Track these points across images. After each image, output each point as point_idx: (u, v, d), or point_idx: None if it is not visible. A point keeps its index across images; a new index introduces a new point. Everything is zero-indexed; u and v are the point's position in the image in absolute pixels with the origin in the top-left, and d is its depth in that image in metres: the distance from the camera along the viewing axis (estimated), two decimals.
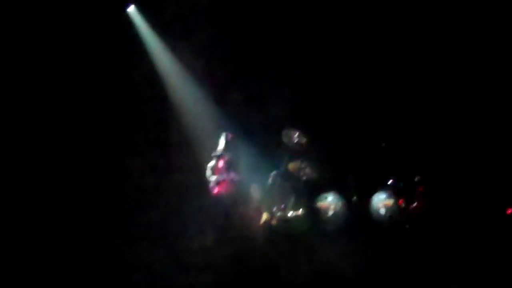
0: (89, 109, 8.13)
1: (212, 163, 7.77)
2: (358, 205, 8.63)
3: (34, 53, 8.25)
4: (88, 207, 8.03)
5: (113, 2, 8.15)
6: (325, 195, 8.51)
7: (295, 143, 8.43)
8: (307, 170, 8.52)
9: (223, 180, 7.69)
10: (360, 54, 8.90)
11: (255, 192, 8.33)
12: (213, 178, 7.72)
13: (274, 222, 8.31)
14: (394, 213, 8.18)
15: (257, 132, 8.65)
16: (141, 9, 8.26)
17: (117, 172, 8.12)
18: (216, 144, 7.82)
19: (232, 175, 7.79)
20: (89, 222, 7.71)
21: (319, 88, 8.60)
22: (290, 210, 8.46)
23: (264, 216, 8.26)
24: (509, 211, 8.15)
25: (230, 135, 7.93)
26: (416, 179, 8.36)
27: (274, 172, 8.47)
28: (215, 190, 7.64)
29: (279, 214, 8.40)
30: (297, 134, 8.39)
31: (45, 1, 8.21)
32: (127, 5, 8.25)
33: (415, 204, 8.21)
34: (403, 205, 8.27)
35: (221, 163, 7.75)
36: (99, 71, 8.25)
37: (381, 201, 8.33)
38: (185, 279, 6.42)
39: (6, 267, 6.38)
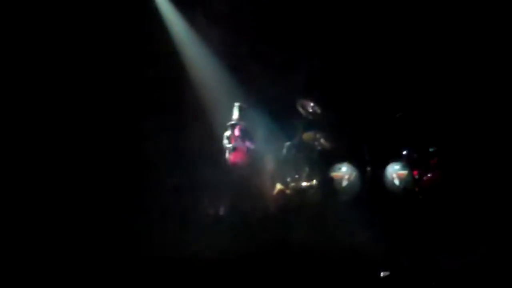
0: (110, 79, 8.36)
1: (228, 132, 7.88)
2: (372, 175, 8.60)
3: (53, 21, 8.34)
4: (106, 178, 8.18)
5: None
6: (339, 165, 8.57)
7: (310, 113, 8.47)
8: (322, 141, 8.58)
9: (238, 148, 7.80)
10: (376, 22, 8.74)
11: (270, 162, 8.43)
12: (228, 146, 7.80)
13: (287, 192, 8.41)
14: (408, 184, 8.23)
15: (272, 102, 8.63)
16: None
17: (135, 139, 8.31)
18: (231, 114, 7.95)
19: (247, 143, 7.93)
20: (105, 190, 7.92)
21: (334, 58, 8.59)
22: (304, 180, 8.56)
23: (278, 186, 8.35)
24: None
25: (244, 105, 8.01)
26: (431, 150, 8.34)
27: (288, 143, 8.57)
28: (231, 158, 7.73)
29: (292, 184, 8.53)
30: (311, 104, 8.42)
31: None
32: None
33: (429, 175, 8.18)
34: (417, 176, 8.29)
35: (236, 132, 7.84)
36: (119, 43, 8.40)
37: (395, 172, 8.36)
38: (197, 247, 6.54)
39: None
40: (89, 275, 5.79)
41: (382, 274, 5.13)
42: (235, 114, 8.00)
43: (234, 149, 7.89)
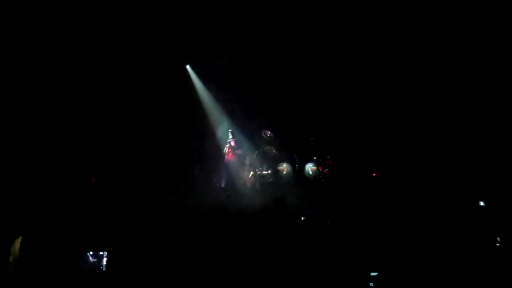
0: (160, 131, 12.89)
1: (227, 145, 13.16)
2: (298, 168, 13.15)
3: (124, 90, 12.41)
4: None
5: (178, 62, 13.26)
6: (282, 163, 13.13)
7: (268, 137, 13.22)
8: (274, 151, 13.25)
9: (233, 152, 13.04)
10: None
11: (248, 161, 13.19)
12: (226, 152, 13.12)
13: (256, 176, 12.99)
14: (316, 173, 12.83)
15: (251, 131, 13.40)
16: (194, 68, 13.52)
17: (177, 148, 12.79)
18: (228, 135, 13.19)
19: (237, 150, 13.06)
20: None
21: (278, 109, 13.18)
22: (264, 170, 13.04)
23: (251, 173, 13.06)
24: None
25: (234, 131, 13.19)
26: (328, 157, 12.91)
27: (257, 151, 13.26)
28: (228, 158, 13.10)
29: (258, 172, 13.05)
30: (269, 132, 13.25)
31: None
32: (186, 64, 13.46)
33: (326, 170, 12.80)
34: (320, 169, 12.82)
35: (232, 143, 13.05)
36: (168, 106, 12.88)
37: (309, 167, 12.99)
38: (208, 200, 10.54)
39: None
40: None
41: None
42: (230, 135, 13.22)
43: (231, 152, 13.07)
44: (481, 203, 7.97)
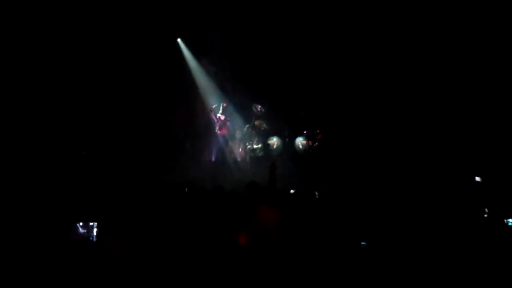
0: (150, 103, 12.76)
1: (217, 119, 13.15)
2: (288, 142, 13.21)
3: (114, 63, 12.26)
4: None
5: (169, 35, 13.10)
6: (272, 137, 13.19)
7: (258, 111, 13.31)
8: (264, 125, 13.31)
9: (223, 126, 13.07)
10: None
11: (238, 134, 13.25)
12: (218, 125, 13.13)
13: (246, 150, 13.16)
14: (305, 147, 12.93)
15: (241, 105, 13.32)
16: (185, 41, 13.36)
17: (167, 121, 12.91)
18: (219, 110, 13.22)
19: (227, 124, 13.12)
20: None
21: (269, 89, 13.14)
22: (255, 144, 13.16)
23: (241, 146, 13.16)
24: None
25: (225, 104, 13.20)
26: (317, 131, 12.94)
27: (247, 125, 13.29)
28: (219, 131, 13.18)
29: (249, 146, 13.19)
30: (259, 106, 13.32)
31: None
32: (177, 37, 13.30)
33: (316, 144, 12.87)
34: (310, 143, 12.91)
35: (222, 117, 13.14)
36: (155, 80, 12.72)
37: (299, 141, 13.05)
38: (200, 175, 10.73)
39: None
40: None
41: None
42: (221, 109, 13.22)
43: (221, 126, 13.13)
44: (477, 179, 8.33)
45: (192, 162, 12.51)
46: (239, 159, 13.25)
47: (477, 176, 8.39)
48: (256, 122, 13.36)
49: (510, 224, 6.83)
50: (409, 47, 11.68)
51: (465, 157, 10.13)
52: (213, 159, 13.24)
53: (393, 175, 10.25)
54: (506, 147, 10.08)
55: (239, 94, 13.41)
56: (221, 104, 13.29)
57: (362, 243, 5.91)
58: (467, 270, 5.44)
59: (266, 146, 13.33)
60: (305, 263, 5.60)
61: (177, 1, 12.36)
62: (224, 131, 13.24)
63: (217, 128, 13.25)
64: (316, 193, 8.28)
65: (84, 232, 5.45)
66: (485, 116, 10.82)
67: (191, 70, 13.47)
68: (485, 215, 7.06)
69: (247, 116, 13.61)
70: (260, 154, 13.26)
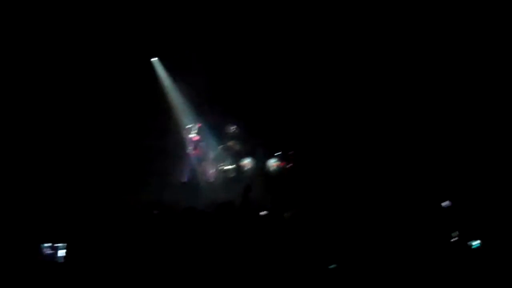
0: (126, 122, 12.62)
1: (191, 138, 13.08)
2: (261, 164, 12.87)
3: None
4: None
5: (145, 55, 13.06)
6: (245, 158, 12.83)
7: (232, 132, 13.14)
8: (237, 146, 13.03)
9: (196, 147, 13.07)
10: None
11: (211, 155, 13.06)
12: (191, 147, 13.12)
13: (219, 170, 12.89)
14: (278, 169, 12.64)
15: (214, 126, 13.20)
16: (161, 60, 13.26)
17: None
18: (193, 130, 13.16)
19: (201, 144, 12.94)
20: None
21: (243, 110, 13.02)
22: (227, 165, 12.87)
23: (214, 167, 12.87)
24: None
25: (199, 125, 13.18)
26: (290, 152, 12.68)
27: (220, 146, 13.08)
28: (193, 153, 13.15)
29: (221, 167, 12.87)
30: (233, 127, 13.10)
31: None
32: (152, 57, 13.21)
33: (289, 165, 12.64)
34: (283, 165, 12.69)
35: (196, 137, 12.95)
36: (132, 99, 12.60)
37: (272, 162, 12.75)
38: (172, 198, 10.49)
39: None
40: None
41: None
42: (195, 130, 13.18)
43: (195, 147, 13.09)
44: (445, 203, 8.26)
45: (163, 182, 12.40)
46: (211, 180, 13.17)
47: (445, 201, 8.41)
48: (229, 143, 13.31)
49: (474, 246, 6.96)
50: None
51: (432, 182, 10.25)
52: (185, 180, 13.12)
53: (365, 198, 10.13)
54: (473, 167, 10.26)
55: (213, 114, 13.47)
56: (196, 124, 13.30)
57: (331, 266, 5.91)
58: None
59: (239, 167, 13.14)
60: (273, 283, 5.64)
61: (152, 20, 12.38)
62: (198, 152, 13.20)
63: (190, 148, 13.19)
64: (285, 215, 8.30)
65: (51, 253, 5.32)
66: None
67: (165, 90, 13.48)
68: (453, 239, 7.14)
69: (221, 137, 13.51)
70: (232, 175, 13.03)
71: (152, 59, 13.35)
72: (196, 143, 13.19)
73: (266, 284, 5.63)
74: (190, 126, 13.31)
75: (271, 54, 12.87)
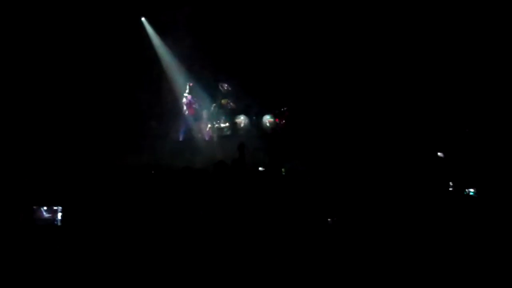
0: (116, 82, 12.64)
1: (184, 98, 13.22)
2: (256, 121, 13.39)
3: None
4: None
5: (133, 14, 12.87)
6: (239, 116, 13.35)
7: (225, 89, 13.44)
8: (231, 103, 13.49)
9: (190, 106, 13.14)
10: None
11: (205, 113, 13.39)
12: (184, 105, 13.17)
13: (214, 129, 13.31)
14: (273, 125, 13.15)
15: (207, 83, 13.37)
16: (150, 20, 13.16)
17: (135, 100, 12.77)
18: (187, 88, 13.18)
19: (194, 104, 13.19)
20: None
21: (235, 67, 13.08)
22: (222, 123, 13.29)
23: (209, 126, 13.32)
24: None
25: (191, 84, 13.17)
26: (283, 109, 13.17)
27: (214, 104, 13.44)
28: (186, 112, 13.19)
29: (216, 125, 13.34)
30: (226, 85, 13.45)
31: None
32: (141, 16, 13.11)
33: (283, 121, 13.13)
34: (278, 121, 13.15)
35: (189, 97, 13.19)
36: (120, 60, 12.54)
37: (267, 119, 13.30)
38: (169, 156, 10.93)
39: None
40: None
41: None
42: (188, 89, 13.19)
43: (188, 106, 13.16)
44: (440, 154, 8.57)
45: (159, 142, 12.44)
46: (206, 138, 13.26)
47: (439, 151, 8.47)
48: (223, 101, 13.42)
49: (471, 194, 7.05)
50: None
51: (427, 133, 10.37)
52: (180, 139, 13.18)
53: (358, 152, 10.39)
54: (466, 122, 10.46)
55: (205, 73, 13.36)
56: (187, 83, 13.22)
57: (329, 219, 5.91)
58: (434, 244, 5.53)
59: (233, 125, 13.39)
60: (273, 240, 5.60)
61: None
62: (191, 111, 13.21)
63: (184, 107, 13.18)
64: (283, 170, 8.53)
65: (48, 217, 5.30)
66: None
67: (156, 50, 13.30)
68: (450, 188, 7.25)
69: (214, 95, 13.60)
70: (228, 132, 13.27)
71: (141, 18, 13.20)
72: (189, 103, 13.20)
73: (269, 244, 5.57)
74: (182, 85, 13.31)
75: (267, 10, 12.71)
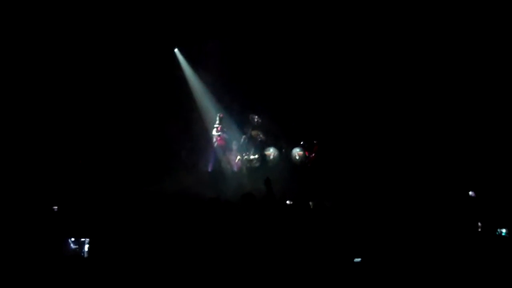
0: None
1: (214, 129, 13.20)
2: (285, 153, 13.31)
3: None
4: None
5: (166, 45, 13.15)
6: (269, 148, 13.25)
7: (255, 122, 13.46)
8: (261, 135, 13.36)
9: (219, 137, 13.12)
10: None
11: (235, 145, 13.29)
12: (214, 136, 13.17)
13: (243, 161, 13.23)
14: (302, 158, 13.03)
15: (237, 116, 13.51)
16: (182, 51, 13.38)
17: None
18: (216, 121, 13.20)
19: (224, 135, 13.14)
20: None
21: (266, 100, 13.23)
22: (251, 155, 13.20)
23: (238, 157, 13.24)
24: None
25: (221, 115, 13.23)
26: (314, 142, 12.94)
27: (244, 136, 13.36)
28: (216, 143, 13.19)
29: (245, 157, 13.25)
30: (256, 117, 13.45)
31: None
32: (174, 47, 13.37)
33: (313, 155, 12.92)
34: (307, 154, 12.98)
35: (219, 128, 13.15)
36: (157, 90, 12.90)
37: (296, 152, 13.13)
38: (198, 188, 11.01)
39: None
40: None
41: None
42: (218, 120, 13.23)
43: (218, 137, 13.12)
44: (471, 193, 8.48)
45: (188, 172, 12.55)
46: (235, 170, 13.22)
47: (471, 191, 8.33)
48: (253, 133, 13.41)
49: (503, 234, 6.93)
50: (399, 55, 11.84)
51: (459, 173, 10.24)
52: (209, 169, 13.21)
53: (388, 188, 10.33)
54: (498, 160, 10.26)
55: (236, 104, 13.54)
56: (218, 114, 13.28)
57: (356, 259, 5.84)
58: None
59: (263, 157, 13.33)
60: (298, 273, 5.59)
61: (175, 11, 12.35)
62: (221, 142, 13.22)
63: (214, 138, 13.23)
64: (311, 203, 8.06)
65: (75, 248, 5.36)
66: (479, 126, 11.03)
67: (188, 80, 13.48)
68: (479, 229, 7.13)
69: (244, 126, 13.64)
70: (257, 164, 13.22)
71: (174, 49, 13.42)
72: (219, 133, 13.20)
73: (290, 275, 5.55)
74: (212, 116, 13.36)
75: (295, 44, 12.80)
